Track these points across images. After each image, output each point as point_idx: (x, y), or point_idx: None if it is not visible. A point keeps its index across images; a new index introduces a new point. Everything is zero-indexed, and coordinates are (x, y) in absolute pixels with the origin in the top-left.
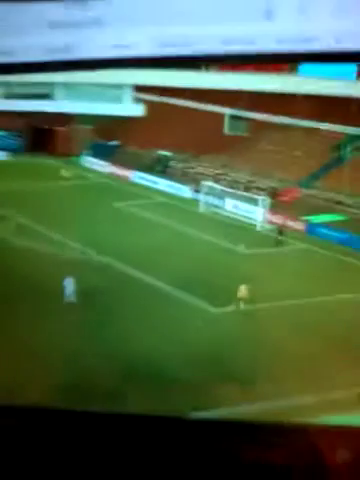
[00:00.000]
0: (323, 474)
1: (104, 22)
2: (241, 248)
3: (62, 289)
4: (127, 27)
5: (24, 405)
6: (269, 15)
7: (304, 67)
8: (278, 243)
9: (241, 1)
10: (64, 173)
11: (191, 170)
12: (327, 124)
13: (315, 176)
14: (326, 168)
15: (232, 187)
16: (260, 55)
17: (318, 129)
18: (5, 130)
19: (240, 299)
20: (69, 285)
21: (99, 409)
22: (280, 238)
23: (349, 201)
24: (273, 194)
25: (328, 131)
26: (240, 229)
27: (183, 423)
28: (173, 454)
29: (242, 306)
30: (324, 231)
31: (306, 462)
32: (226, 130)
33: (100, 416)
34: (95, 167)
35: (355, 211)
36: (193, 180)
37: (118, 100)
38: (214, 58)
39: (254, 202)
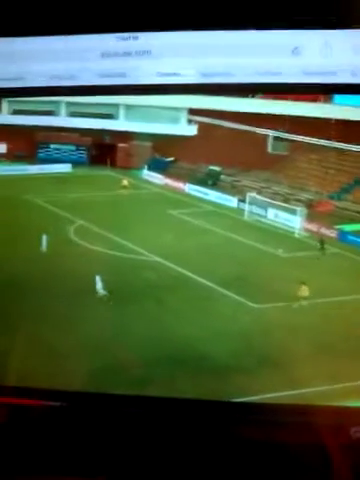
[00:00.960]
0: (327, 452)
1: (152, 53)
2: (280, 252)
3: (119, 284)
4: (173, 58)
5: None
6: (296, 52)
7: (338, 96)
8: (321, 249)
9: (272, 39)
10: (124, 184)
11: (239, 183)
12: (357, 146)
13: (346, 190)
14: (356, 184)
15: (274, 198)
16: (287, 85)
17: (349, 150)
18: (73, 145)
19: (301, 297)
20: (98, 281)
21: (146, 393)
22: (323, 246)
23: None
24: (309, 205)
25: (358, 152)
26: (280, 235)
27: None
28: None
29: (304, 303)
30: (354, 238)
31: (312, 441)
32: (270, 150)
33: (148, 400)
34: (152, 180)
35: None
36: (240, 192)
37: (175, 121)
38: (249, 87)
39: (293, 212)
